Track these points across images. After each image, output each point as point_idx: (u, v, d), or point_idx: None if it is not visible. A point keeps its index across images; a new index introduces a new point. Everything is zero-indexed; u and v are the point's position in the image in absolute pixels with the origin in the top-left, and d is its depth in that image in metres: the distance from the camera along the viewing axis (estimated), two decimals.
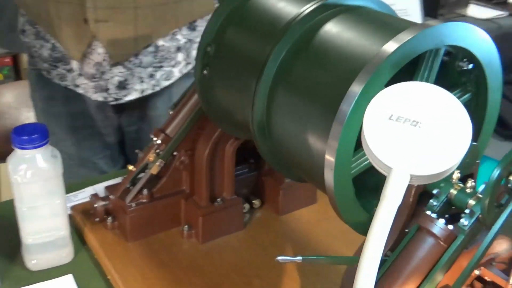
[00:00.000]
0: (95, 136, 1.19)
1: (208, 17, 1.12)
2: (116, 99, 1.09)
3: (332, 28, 0.60)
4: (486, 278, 0.53)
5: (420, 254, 0.52)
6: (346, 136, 0.51)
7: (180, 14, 1.07)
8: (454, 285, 0.50)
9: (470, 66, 0.57)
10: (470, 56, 0.57)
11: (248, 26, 0.68)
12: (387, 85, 0.48)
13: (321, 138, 0.56)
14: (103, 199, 0.87)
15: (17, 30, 1.15)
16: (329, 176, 0.53)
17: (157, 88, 1.10)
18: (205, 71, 0.72)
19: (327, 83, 0.57)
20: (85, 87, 1.08)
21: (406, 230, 0.54)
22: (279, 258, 0.50)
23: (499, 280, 0.52)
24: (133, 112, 1.16)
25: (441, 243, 0.51)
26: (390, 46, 0.51)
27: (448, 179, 0.52)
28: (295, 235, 0.87)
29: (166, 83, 1.11)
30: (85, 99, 1.11)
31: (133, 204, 0.83)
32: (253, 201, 0.91)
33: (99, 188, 0.94)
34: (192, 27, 1.10)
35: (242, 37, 0.68)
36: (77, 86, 1.09)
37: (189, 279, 0.78)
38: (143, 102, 1.13)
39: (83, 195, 0.96)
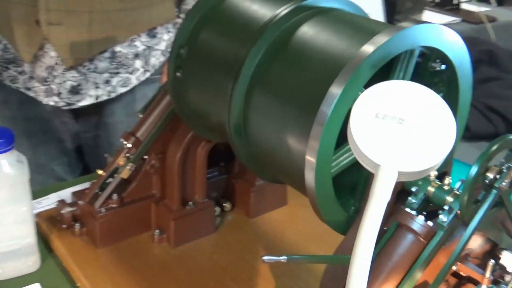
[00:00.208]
0: (52, 141, 1.16)
1: (169, 25, 1.12)
2: (69, 104, 1.06)
3: (309, 30, 0.60)
4: (461, 273, 0.54)
5: (400, 251, 0.52)
6: (326, 136, 0.52)
7: (139, 20, 1.05)
8: (434, 281, 0.51)
9: (443, 67, 0.59)
10: (442, 57, 0.58)
11: (223, 28, 0.68)
12: (365, 87, 0.49)
13: (300, 139, 0.56)
14: (70, 205, 0.85)
15: None
16: (309, 177, 0.53)
17: (113, 95, 1.08)
18: (178, 73, 0.71)
19: (306, 84, 0.57)
20: (36, 90, 1.05)
21: (385, 228, 0.55)
22: (265, 258, 0.50)
23: (475, 275, 0.53)
24: (89, 118, 1.13)
25: (421, 239, 0.52)
26: (369, 48, 0.52)
27: (425, 177, 0.53)
28: (267, 237, 0.88)
29: (123, 89, 1.09)
30: (41, 103, 1.08)
31: (103, 210, 0.82)
32: (223, 204, 0.91)
33: (64, 194, 0.92)
34: (152, 34, 1.09)
35: (217, 39, 0.68)
36: (29, 89, 1.06)
37: (162, 284, 0.77)
38: (99, 108, 1.11)
39: (47, 202, 0.93)
